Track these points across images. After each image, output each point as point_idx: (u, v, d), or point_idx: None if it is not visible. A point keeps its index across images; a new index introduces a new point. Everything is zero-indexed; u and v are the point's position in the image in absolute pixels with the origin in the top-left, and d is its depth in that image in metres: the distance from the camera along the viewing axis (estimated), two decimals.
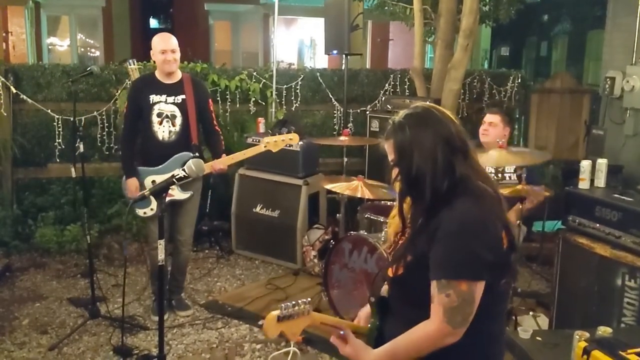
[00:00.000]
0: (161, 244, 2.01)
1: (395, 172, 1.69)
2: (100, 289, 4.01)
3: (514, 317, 3.69)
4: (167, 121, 3.66)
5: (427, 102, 1.79)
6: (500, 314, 1.74)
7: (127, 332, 3.68)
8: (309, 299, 1.67)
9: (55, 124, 5.13)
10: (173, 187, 3.16)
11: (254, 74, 5.62)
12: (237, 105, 5.58)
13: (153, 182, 3.67)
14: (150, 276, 4.07)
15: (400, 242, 1.76)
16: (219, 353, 3.53)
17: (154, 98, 3.66)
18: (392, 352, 1.65)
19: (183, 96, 3.68)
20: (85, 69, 4.30)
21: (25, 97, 5.08)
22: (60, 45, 12.61)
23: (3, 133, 5.09)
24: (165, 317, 3.73)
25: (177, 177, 1.89)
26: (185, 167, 1.88)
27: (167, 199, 3.49)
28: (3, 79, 4.98)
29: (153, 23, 15.55)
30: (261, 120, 5.30)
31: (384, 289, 1.85)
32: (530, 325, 3.58)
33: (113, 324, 3.78)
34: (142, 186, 3.74)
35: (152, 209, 3.72)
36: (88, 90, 5.23)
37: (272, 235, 4.82)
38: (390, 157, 1.70)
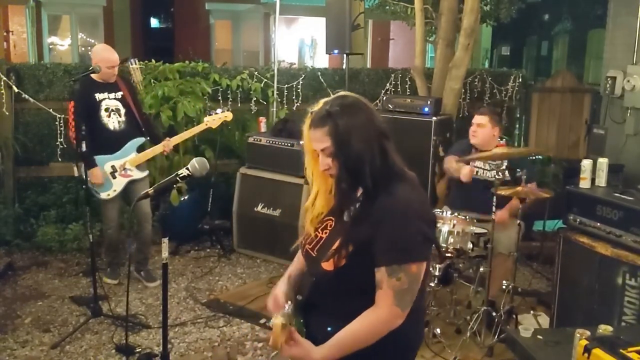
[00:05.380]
0: (165, 243, 2.02)
1: (325, 161, 1.67)
2: (102, 287, 4.02)
3: (514, 316, 3.70)
4: (114, 113, 4.18)
5: (343, 92, 1.78)
6: (424, 289, 1.79)
7: (129, 331, 3.70)
8: (290, 305, 1.65)
9: (56, 123, 5.14)
10: (132, 168, 4.17)
11: (255, 73, 5.62)
12: (239, 105, 5.59)
13: (112, 167, 4.17)
14: (106, 250, 4.53)
15: (325, 234, 1.74)
16: (220, 351, 3.54)
17: (99, 96, 4.15)
18: (339, 346, 1.63)
19: (121, 92, 4.23)
20: (86, 68, 4.35)
21: (26, 96, 5.09)
22: (61, 44, 12.62)
23: (5, 132, 5.10)
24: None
25: (180, 175, 1.90)
26: (189, 166, 1.88)
27: (128, 179, 4.19)
28: (5, 78, 4.99)
29: (154, 22, 15.54)
30: (262, 119, 5.31)
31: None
32: (531, 324, 3.59)
33: (115, 323, 3.79)
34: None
35: (114, 190, 4.18)
36: None
37: (274, 234, 4.82)
38: (320, 145, 1.67)
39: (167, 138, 4.30)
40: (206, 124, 4.35)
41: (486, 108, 4.31)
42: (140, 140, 4.27)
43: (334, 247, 1.67)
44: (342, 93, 1.76)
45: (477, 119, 3.95)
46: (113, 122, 4.16)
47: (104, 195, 4.19)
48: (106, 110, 4.15)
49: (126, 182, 4.19)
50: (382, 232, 1.59)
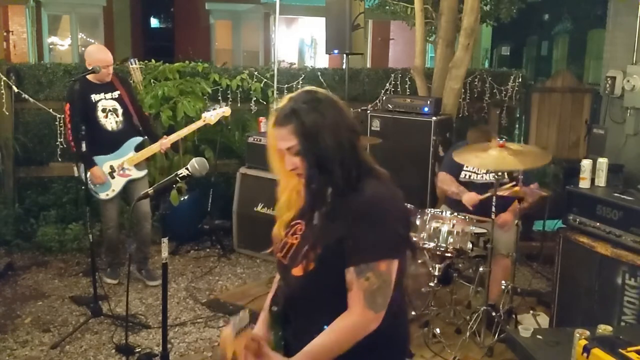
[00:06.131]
0: (165, 242, 2.02)
1: (291, 160, 1.59)
2: (102, 287, 4.02)
3: (514, 316, 3.70)
4: (111, 114, 4.17)
5: (310, 87, 1.69)
6: (402, 290, 1.72)
7: (129, 331, 3.70)
8: (246, 313, 1.57)
9: (57, 123, 5.14)
10: (130, 167, 4.17)
11: (255, 73, 5.63)
12: (239, 105, 5.59)
13: (110, 166, 4.18)
14: (106, 250, 4.52)
15: (295, 239, 1.67)
16: (220, 351, 3.53)
17: (95, 97, 4.13)
18: (313, 353, 1.54)
19: (118, 92, 4.21)
20: (86, 68, 4.32)
21: (27, 96, 5.09)
22: (61, 44, 12.62)
23: (5, 132, 5.11)
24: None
25: (180, 175, 1.90)
26: (188, 166, 1.89)
27: (126, 179, 4.20)
28: (5, 78, 4.99)
29: (154, 22, 15.53)
30: (262, 119, 5.30)
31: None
32: (530, 323, 3.59)
33: (115, 323, 3.79)
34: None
35: (113, 190, 4.20)
36: None
37: None
38: (286, 144, 1.58)
39: (164, 136, 4.30)
40: (204, 120, 4.33)
41: (485, 133, 4.03)
42: (138, 139, 4.28)
43: (303, 251, 1.59)
44: (308, 88, 1.67)
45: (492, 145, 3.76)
46: (110, 122, 4.17)
47: (102, 195, 4.20)
48: (103, 111, 4.15)
49: (125, 182, 4.21)
50: (350, 232, 1.52)
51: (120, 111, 4.19)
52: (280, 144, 1.60)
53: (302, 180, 1.62)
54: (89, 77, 4.11)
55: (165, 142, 4.25)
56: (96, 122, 4.12)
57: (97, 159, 4.13)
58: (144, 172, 4.31)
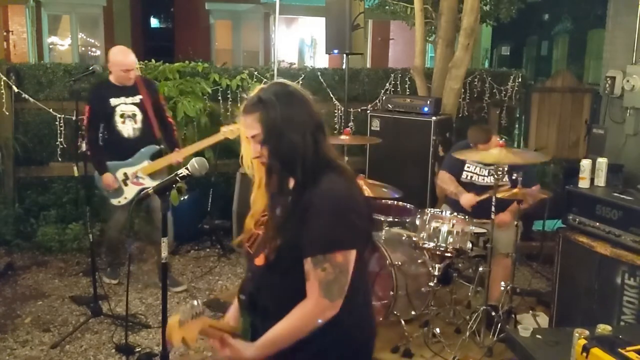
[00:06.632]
0: (164, 242, 2.02)
1: (256, 148, 1.65)
2: (102, 287, 4.03)
3: (514, 316, 3.70)
4: (130, 120, 4.03)
5: (281, 80, 1.75)
6: (365, 281, 1.81)
7: (129, 330, 3.70)
8: (198, 301, 1.60)
9: (57, 123, 5.14)
10: (144, 176, 4.04)
11: (255, 73, 5.63)
12: (239, 105, 5.56)
13: (124, 174, 4.07)
14: (106, 250, 4.51)
15: (261, 230, 1.72)
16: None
17: (114, 101, 4.00)
18: (271, 340, 1.62)
19: (140, 96, 4.05)
20: (86, 68, 4.33)
21: (27, 96, 5.09)
22: (61, 44, 12.62)
23: (5, 132, 5.11)
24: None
25: (180, 175, 1.90)
26: (188, 166, 1.89)
27: (139, 187, 4.04)
28: (5, 78, 4.99)
29: (154, 22, 15.54)
30: None
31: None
32: (530, 323, 3.59)
33: (115, 322, 3.80)
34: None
35: (125, 198, 4.09)
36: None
37: None
38: (251, 131, 1.65)
39: (177, 149, 4.15)
40: (223, 134, 3.95)
41: (485, 132, 4.00)
42: (154, 148, 4.13)
43: (265, 241, 1.66)
44: (280, 81, 1.73)
45: (491, 143, 3.73)
46: (127, 129, 4.04)
47: (114, 202, 4.13)
48: (121, 116, 4.02)
49: (137, 191, 4.04)
50: (308, 224, 1.57)
51: (139, 117, 4.04)
52: (246, 131, 1.68)
53: (265, 170, 1.69)
54: (111, 78, 4.04)
55: (178, 154, 4.09)
56: (113, 127, 4.00)
57: (111, 164, 4.04)
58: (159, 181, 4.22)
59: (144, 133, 4.08)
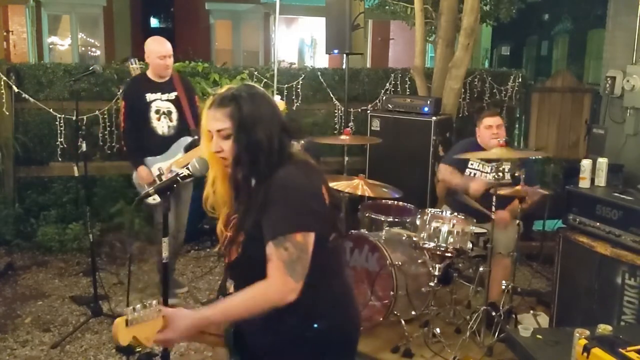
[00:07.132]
0: (165, 242, 2.02)
1: (218, 143, 1.68)
2: (102, 287, 4.03)
3: (514, 316, 3.70)
4: (165, 117, 3.92)
5: (251, 83, 1.82)
6: (339, 272, 1.83)
7: None
8: (156, 301, 1.56)
9: (57, 122, 5.14)
10: (178, 169, 3.66)
11: (255, 73, 5.63)
12: None
13: (159, 169, 3.93)
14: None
15: (231, 230, 1.75)
16: (221, 351, 3.53)
17: (150, 96, 3.89)
18: (225, 310, 1.61)
19: (175, 93, 3.95)
20: (86, 68, 4.32)
21: (27, 96, 5.09)
22: (61, 44, 12.62)
23: (5, 132, 5.11)
24: None
25: (181, 175, 1.89)
26: (189, 166, 1.88)
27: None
28: (5, 78, 4.99)
29: (154, 22, 15.56)
30: None
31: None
32: (530, 323, 3.59)
33: None
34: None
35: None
36: (90, 89, 5.23)
37: None
38: (218, 125, 1.68)
39: None
40: None
41: (494, 108, 4.22)
42: (188, 139, 3.97)
43: (230, 239, 1.72)
44: (248, 83, 1.79)
45: (495, 120, 3.85)
46: (162, 126, 3.92)
47: (150, 200, 4.01)
48: (156, 112, 3.91)
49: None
50: (267, 212, 1.62)
51: (174, 115, 3.93)
52: (212, 124, 1.69)
53: (226, 168, 1.72)
54: (148, 73, 3.95)
55: None
56: (148, 123, 3.89)
57: (148, 160, 3.93)
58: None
59: (179, 131, 3.95)
